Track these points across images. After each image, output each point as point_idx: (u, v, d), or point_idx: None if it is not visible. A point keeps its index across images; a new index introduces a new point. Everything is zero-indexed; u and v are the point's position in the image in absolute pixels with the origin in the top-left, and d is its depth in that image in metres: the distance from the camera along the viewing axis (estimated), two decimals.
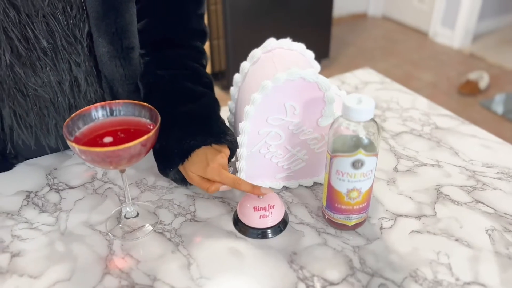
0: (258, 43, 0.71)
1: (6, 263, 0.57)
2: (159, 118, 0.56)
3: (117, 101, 0.59)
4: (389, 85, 1.04)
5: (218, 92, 2.94)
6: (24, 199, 0.68)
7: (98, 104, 0.57)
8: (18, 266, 0.57)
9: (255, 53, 0.69)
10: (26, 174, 0.73)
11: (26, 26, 0.63)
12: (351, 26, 4.11)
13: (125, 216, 0.64)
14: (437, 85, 3.06)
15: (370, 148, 0.55)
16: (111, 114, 0.58)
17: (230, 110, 0.78)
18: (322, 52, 3.18)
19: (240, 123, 0.64)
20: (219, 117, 0.70)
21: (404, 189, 0.70)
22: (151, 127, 0.56)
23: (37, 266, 0.57)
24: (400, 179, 0.72)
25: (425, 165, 0.76)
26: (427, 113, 0.92)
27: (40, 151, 0.77)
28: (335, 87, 0.68)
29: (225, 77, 2.87)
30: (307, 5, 2.88)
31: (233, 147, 0.67)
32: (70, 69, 0.68)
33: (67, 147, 0.77)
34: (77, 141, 0.54)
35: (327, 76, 0.64)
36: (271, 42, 0.69)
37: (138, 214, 0.64)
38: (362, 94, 0.54)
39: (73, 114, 0.55)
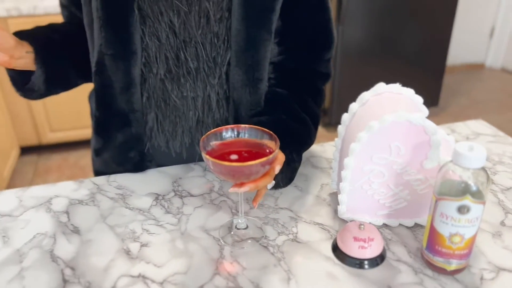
0: (366, 84, 0.76)
1: (136, 250, 0.68)
2: (278, 144, 0.63)
3: (244, 125, 0.67)
4: (502, 138, 1.02)
5: (319, 128, 3.00)
6: (154, 200, 0.80)
7: (228, 126, 0.67)
8: (146, 254, 0.67)
9: (365, 95, 0.74)
10: (156, 179, 0.86)
11: (181, 50, 0.77)
12: (466, 75, 3.95)
13: (236, 226, 0.71)
14: None
15: (478, 195, 0.56)
16: (238, 135, 0.67)
17: (336, 147, 0.83)
18: (431, 100, 3.10)
19: (345, 159, 0.69)
20: (299, 148, 0.80)
21: (510, 244, 0.69)
22: (269, 151, 0.64)
23: (160, 257, 0.66)
24: (507, 234, 0.71)
25: None
26: None
27: (167, 155, 0.89)
28: (443, 131, 0.70)
29: (327, 115, 2.93)
30: (420, 51, 2.86)
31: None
32: (205, 89, 0.81)
33: (189, 154, 0.88)
34: (209, 154, 0.63)
35: (435, 123, 0.66)
36: (380, 86, 0.74)
37: (247, 227, 0.72)
38: (474, 143, 0.57)
39: (208, 133, 0.65)
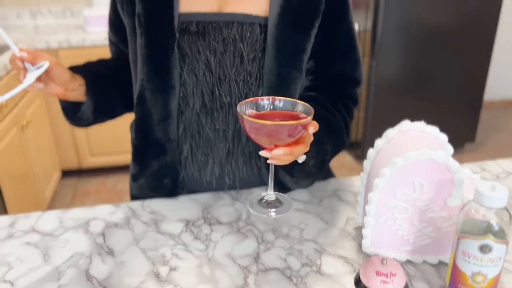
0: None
1: (165, 274, 0.71)
2: (313, 111, 0.65)
3: (278, 97, 0.70)
4: None
5: (351, 161, 3.00)
6: (184, 225, 0.83)
7: (264, 97, 0.69)
8: (174, 278, 0.70)
9: (389, 132, 0.76)
10: (187, 206, 0.90)
11: (216, 86, 0.82)
12: (504, 112, 3.86)
13: (265, 198, 0.75)
14: None
15: (501, 235, 0.57)
16: (273, 106, 0.70)
17: (361, 181, 0.85)
18: (468, 135, 3.04)
19: (369, 193, 0.71)
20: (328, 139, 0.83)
21: None
22: (304, 117, 0.66)
23: (187, 281, 0.69)
24: None
25: None
26: None
27: (199, 183, 0.92)
28: (468, 169, 0.71)
29: (360, 147, 2.92)
30: (456, 86, 2.83)
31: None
32: (236, 122, 0.85)
33: (218, 184, 0.92)
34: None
35: (470, 160, 0.67)
36: (405, 123, 0.76)
37: (276, 199, 0.75)
38: (497, 183, 0.57)
39: (245, 100, 0.68)
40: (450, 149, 0.75)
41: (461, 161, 0.75)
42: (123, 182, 2.69)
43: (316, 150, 0.78)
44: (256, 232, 0.81)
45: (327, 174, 1.04)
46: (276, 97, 0.69)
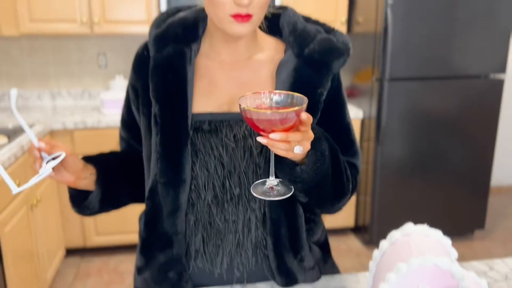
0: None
1: None
2: (306, 101, 0.68)
3: (277, 91, 0.73)
4: None
5: (359, 246, 2.95)
6: None
7: (264, 91, 0.72)
8: None
9: (394, 234, 0.77)
10: None
11: (226, 178, 0.86)
12: None
13: (267, 183, 0.78)
14: None
15: None
16: (271, 99, 0.73)
17: (367, 282, 0.84)
18: (477, 222, 2.99)
19: None
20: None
21: None
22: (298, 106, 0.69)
23: None
24: None
25: None
26: None
27: (206, 276, 0.92)
28: (473, 274, 0.71)
29: (367, 232, 2.88)
30: (462, 171, 2.85)
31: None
32: (245, 212, 0.87)
33: (228, 275, 0.91)
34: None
35: (480, 248, 0.68)
36: (409, 226, 0.77)
37: (278, 184, 0.78)
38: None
39: (246, 94, 0.71)
40: (454, 253, 0.75)
41: (471, 249, 0.75)
42: (126, 262, 2.64)
43: (315, 152, 0.78)
44: None
45: (332, 268, 1.03)
46: (276, 92, 0.73)
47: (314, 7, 2.82)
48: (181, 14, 0.91)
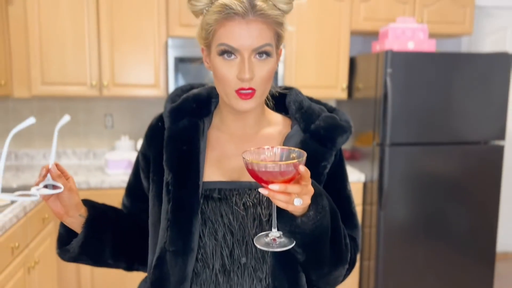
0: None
1: None
2: (305, 155, 0.72)
3: (279, 146, 0.77)
4: None
5: None
6: None
7: (267, 146, 0.76)
8: None
9: None
10: None
11: (234, 246, 0.86)
12: None
13: (269, 235, 0.79)
14: None
15: None
16: (273, 154, 0.78)
17: None
18: None
19: None
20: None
21: None
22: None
23: None
24: None
25: None
26: None
27: None
28: None
29: None
30: (466, 236, 2.80)
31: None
32: (252, 282, 0.87)
33: None
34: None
35: None
36: None
37: (280, 236, 0.79)
38: None
39: (250, 148, 0.76)
40: None
41: None
42: None
43: (315, 206, 0.79)
44: None
45: None
46: (279, 147, 0.79)
47: (316, 74, 2.93)
48: (195, 91, 0.97)
